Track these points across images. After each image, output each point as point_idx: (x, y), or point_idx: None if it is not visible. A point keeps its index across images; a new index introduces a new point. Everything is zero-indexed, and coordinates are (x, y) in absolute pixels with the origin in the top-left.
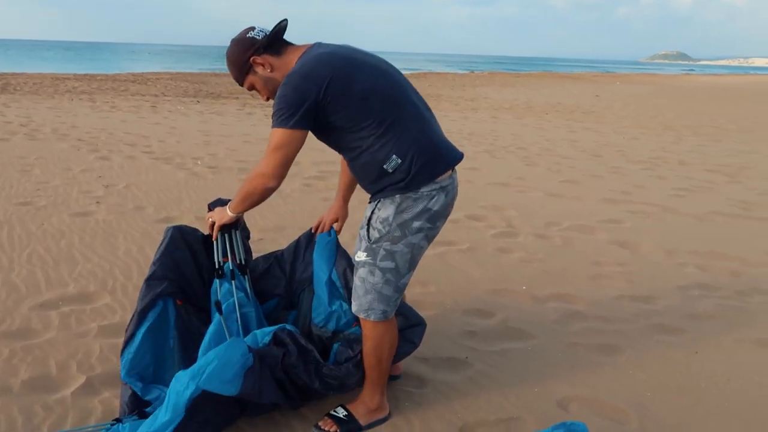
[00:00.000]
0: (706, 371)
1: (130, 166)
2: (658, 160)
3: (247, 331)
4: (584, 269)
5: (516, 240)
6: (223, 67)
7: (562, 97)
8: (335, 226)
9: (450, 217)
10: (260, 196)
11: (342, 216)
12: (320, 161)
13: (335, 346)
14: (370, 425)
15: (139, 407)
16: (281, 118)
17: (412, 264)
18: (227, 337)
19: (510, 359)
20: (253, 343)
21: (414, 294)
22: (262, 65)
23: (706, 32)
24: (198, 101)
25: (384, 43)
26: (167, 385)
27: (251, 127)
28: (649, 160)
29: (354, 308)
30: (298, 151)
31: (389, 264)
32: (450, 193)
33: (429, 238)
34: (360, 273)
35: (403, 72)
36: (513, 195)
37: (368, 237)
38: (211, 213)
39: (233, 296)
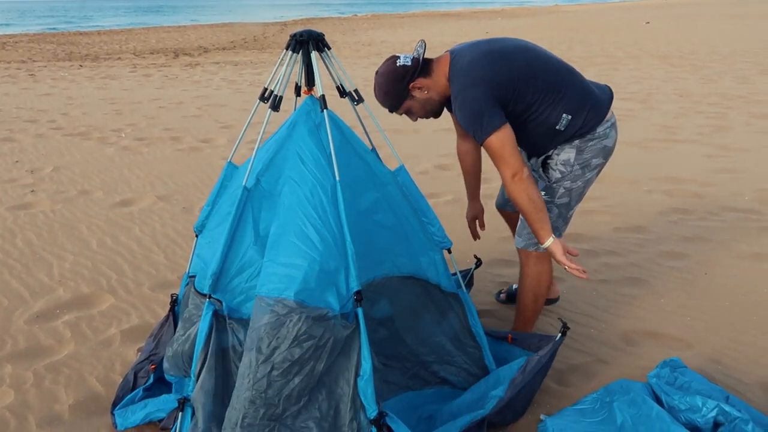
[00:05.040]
0: (723, 290)
1: (45, 146)
2: None
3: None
4: None
5: (494, 185)
6: (84, 24)
7: (456, 36)
8: (478, 222)
9: (419, 169)
10: (532, 190)
11: (480, 211)
12: None
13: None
14: None
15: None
16: (487, 126)
17: (581, 197)
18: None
19: (553, 305)
20: None
21: None
22: (420, 89)
23: None
24: (81, 65)
25: None
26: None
27: (158, 90)
28: None
29: (521, 243)
30: (515, 137)
31: (565, 200)
32: (616, 126)
33: (599, 173)
34: None
35: (286, 21)
36: None
37: (547, 177)
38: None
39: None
